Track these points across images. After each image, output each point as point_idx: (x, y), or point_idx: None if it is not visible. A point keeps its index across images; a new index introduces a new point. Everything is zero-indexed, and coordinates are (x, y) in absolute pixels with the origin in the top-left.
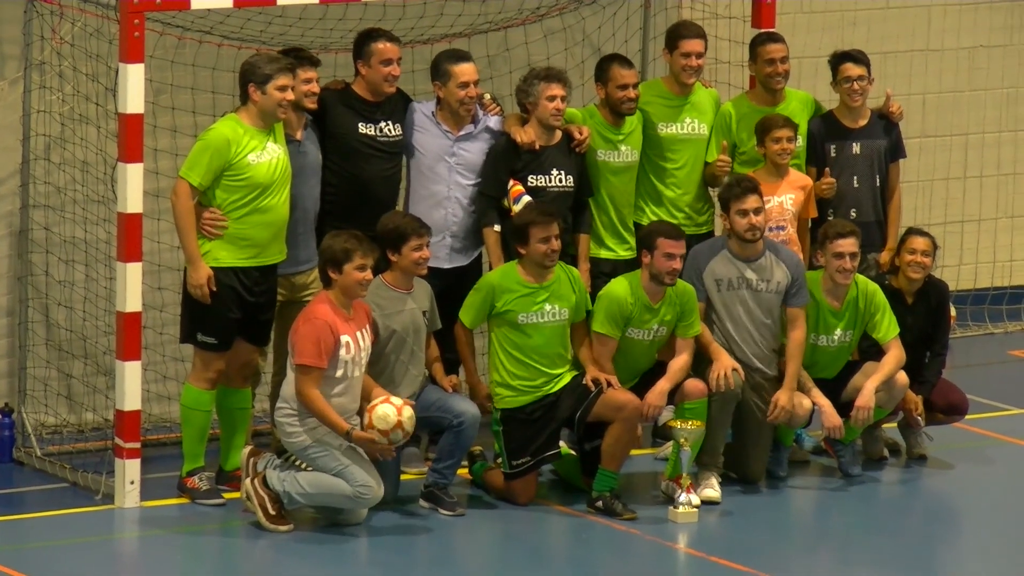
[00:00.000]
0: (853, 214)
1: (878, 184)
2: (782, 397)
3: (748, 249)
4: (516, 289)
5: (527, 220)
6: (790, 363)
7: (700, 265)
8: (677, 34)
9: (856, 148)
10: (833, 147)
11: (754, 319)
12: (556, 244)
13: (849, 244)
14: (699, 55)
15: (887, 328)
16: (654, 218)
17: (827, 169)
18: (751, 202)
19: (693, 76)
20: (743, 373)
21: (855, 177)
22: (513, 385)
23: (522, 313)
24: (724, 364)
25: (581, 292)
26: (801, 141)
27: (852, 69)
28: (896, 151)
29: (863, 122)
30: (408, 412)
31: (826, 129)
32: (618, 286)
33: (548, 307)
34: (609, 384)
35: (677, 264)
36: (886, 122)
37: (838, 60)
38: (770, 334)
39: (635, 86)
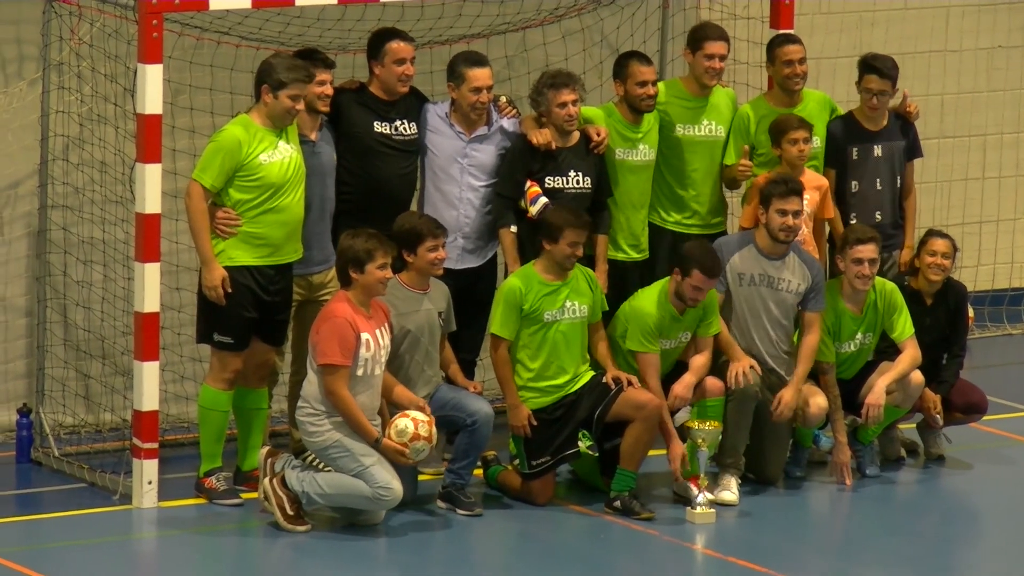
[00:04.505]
0: (878, 216)
1: (898, 185)
2: (787, 394)
3: (775, 248)
4: (539, 288)
5: (564, 221)
6: (800, 364)
7: (724, 257)
8: (701, 35)
9: (878, 151)
10: (855, 150)
11: (771, 317)
12: (580, 252)
13: (869, 250)
14: (722, 57)
15: (903, 327)
16: (668, 219)
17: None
18: (793, 204)
19: (715, 78)
20: (760, 371)
21: (877, 180)
22: (536, 387)
23: (548, 311)
24: (742, 362)
25: (597, 291)
26: (819, 142)
27: (875, 83)
28: (913, 150)
29: (883, 123)
30: (425, 429)
31: (847, 131)
32: (645, 302)
33: (569, 304)
34: (629, 383)
35: (702, 296)
36: (903, 122)
37: (866, 68)
38: (785, 335)
39: (654, 83)
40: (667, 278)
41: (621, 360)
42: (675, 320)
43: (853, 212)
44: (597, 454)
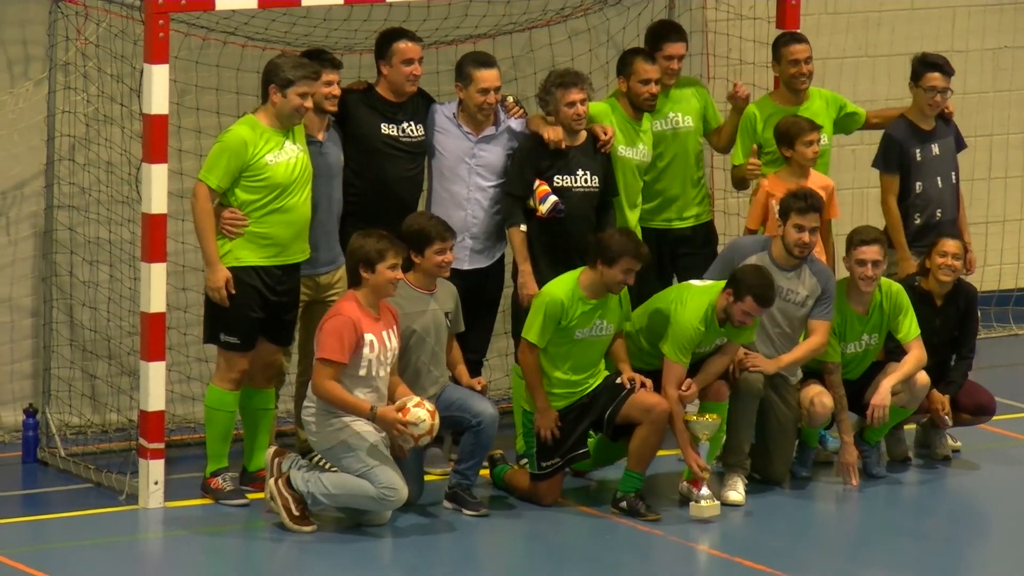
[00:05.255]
0: (939, 214)
1: (954, 181)
2: (759, 359)
3: (788, 259)
4: (579, 306)
5: (624, 249)
6: (794, 351)
7: (737, 259)
8: (661, 35)
9: (936, 149)
10: (918, 151)
11: (776, 326)
12: (631, 280)
13: (872, 251)
14: (680, 58)
15: (908, 328)
16: (646, 217)
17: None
18: (810, 220)
19: (672, 78)
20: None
21: (939, 178)
22: (553, 392)
23: (580, 329)
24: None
25: (626, 307)
26: (826, 139)
27: (939, 80)
28: (960, 143)
29: (934, 123)
30: (430, 404)
31: (909, 135)
32: (692, 316)
33: (598, 322)
34: (642, 385)
35: (750, 322)
36: (944, 118)
37: (926, 67)
38: (789, 344)
39: (657, 82)
40: (712, 286)
41: (629, 328)
42: (715, 331)
43: (916, 212)
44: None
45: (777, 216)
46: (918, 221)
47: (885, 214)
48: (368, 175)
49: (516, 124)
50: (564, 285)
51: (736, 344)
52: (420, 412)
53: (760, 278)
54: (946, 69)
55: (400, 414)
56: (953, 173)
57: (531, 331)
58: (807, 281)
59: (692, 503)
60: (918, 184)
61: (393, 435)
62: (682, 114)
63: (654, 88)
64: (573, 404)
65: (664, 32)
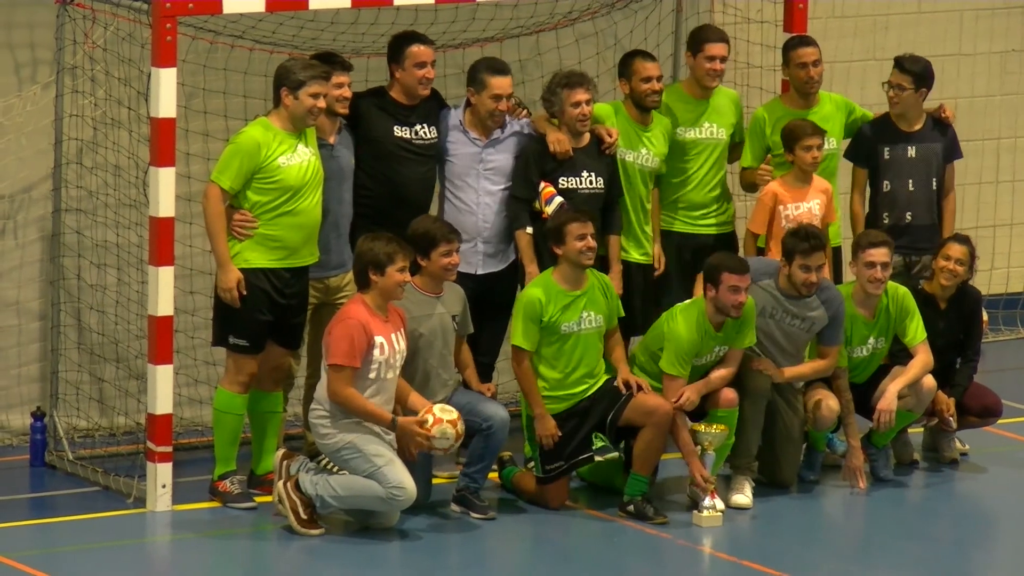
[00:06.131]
0: (908, 217)
1: (934, 187)
2: (768, 363)
3: (796, 293)
4: (558, 299)
5: (563, 220)
6: (801, 365)
7: None
8: (702, 37)
9: (911, 151)
10: (887, 150)
11: (779, 348)
12: (592, 242)
13: (881, 254)
14: (723, 59)
15: (915, 332)
16: (669, 221)
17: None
18: (816, 259)
19: (716, 80)
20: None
21: (910, 180)
22: (553, 395)
23: (565, 323)
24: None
25: (613, 298)
26: (835, 143)
27: (893, 75)
28: (952, 152)
29: (918, 126)
30: (451, 415)
31: (880, 132)
32: (682, 326)
33: (585, 314)
34: (640, 388)
35: (742, 297)
36: (940, 124)
37: (894, 63)
38: (791, 362)
39: (658, 79)
40: (697, 298)
41: (637, 370)
42: (713, 338)
43: (884, 211)
44: (618, 454)
45: (783, 257)
46: (886, 220)
47: (850, 205)
48: (381, 178)
49: (521, 126)
50: (538, 282)
51: (739, 352)
52: (444, 428)
53: (722, 254)
54: (904, 67)
55: (424, 432)
56: (933, 179)
57: (516, 335)
58: (816, 309)
59: (695, 512)
60: (885, 183)
61: (412, 445)
62: (717, 125)
63: (656, 85)
64: (574, 408)
65: (705, 33)
